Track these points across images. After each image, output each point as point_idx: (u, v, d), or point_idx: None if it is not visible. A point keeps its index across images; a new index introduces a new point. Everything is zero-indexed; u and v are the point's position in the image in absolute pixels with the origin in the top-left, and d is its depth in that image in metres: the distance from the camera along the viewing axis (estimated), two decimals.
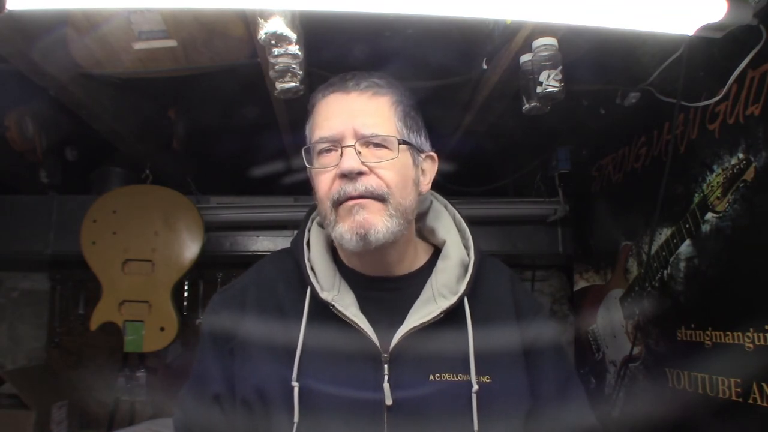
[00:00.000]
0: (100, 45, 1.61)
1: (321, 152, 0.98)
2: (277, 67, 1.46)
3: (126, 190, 2.44)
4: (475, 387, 0.93)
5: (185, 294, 2.72)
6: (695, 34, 1.26)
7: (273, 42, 1.37)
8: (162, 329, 2.25)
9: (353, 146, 0.94)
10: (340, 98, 0.98)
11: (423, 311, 0.96)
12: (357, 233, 0.92)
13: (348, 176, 0.93)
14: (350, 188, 0.93)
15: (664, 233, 1.72)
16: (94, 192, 2.54)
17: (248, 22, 1.43)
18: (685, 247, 1.62)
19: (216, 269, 2.84)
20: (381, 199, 0.94)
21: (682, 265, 1.63)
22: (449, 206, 1.13)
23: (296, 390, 0.92)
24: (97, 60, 1.67)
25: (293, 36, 1.36)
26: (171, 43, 1.61)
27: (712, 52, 1.47)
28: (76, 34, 1.58)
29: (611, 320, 2.08)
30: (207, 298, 2.81)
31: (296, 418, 0.91)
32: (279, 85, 1.54)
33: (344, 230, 0.94)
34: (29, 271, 3.01)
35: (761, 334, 1.29)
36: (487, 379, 0.95)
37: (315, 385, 0.93)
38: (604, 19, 1.19)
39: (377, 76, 1.01)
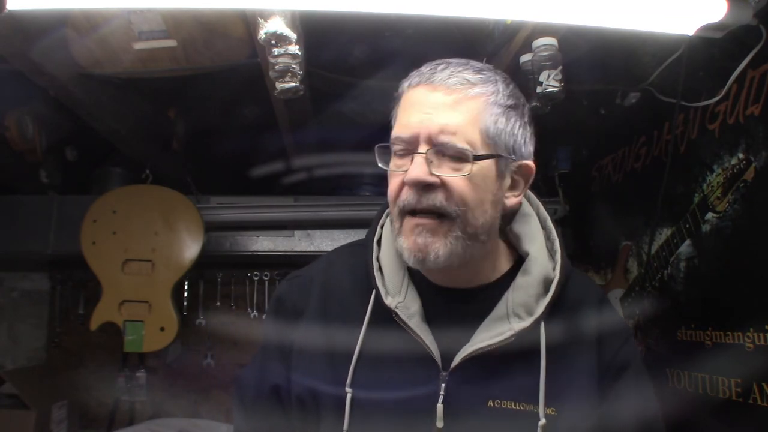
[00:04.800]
0: (100, 45, 1.61)
1: (396, 152, 0.89)
2: (277, 67, 1.46)
3: (126, 190, 2.43)
4: (543, 420, 0.84)
5: (185, 294, 2.72)
6: (695, 34, 1.26)
7: (273, 42, 1.37)
8: (162, 329, 2.24)
9: (425, 154, 0.84)
10: (424, 94, 0.87)
11: (493, 330, 0.88)
12: (415, 256, 0.86)
13: (414, 186, 0.85)
14: (414, 200, 0.85)
15: (664, 233, 1.72)
16: (94, 192, 2.54)
17: (248, 22, 1.43)
18: (685, 247, 1.62)
19: (216, 269, 2.84)
20: (448, 217, 0.85)
21: (682, 265, 1.63)
22: (541, 210, 1.00)
23: (349, 397, 0.88)
24: (97, 60, 1.67)
25: (293, 36, 1.36)
26: (171, 43, 1.61)
27: (712, 52, 1.47)
28: (76, 34, 1.58)
29: None
30: (207, 298, 2.81)
31: (346, 426, 0.87)
32: (279, 85, 1.54)
33: (404, 247, 0.88)
34: (29, 271, 3.00)
35: (761, 334, 1.29)
36: (553, 411, 0.86)
37: (367, 395, 0.88)
38: (604, 19, 1.19)
39: (473, 69, 0.88)
